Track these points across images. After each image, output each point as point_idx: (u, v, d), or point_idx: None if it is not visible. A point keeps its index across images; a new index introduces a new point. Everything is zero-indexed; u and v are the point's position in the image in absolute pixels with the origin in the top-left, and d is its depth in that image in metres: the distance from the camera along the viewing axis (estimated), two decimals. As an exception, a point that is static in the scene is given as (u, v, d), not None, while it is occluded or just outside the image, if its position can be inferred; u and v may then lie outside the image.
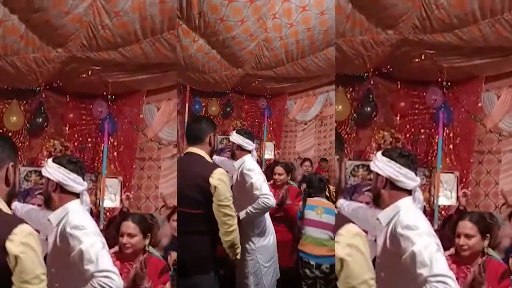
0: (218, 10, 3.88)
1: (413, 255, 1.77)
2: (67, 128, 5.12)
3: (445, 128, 4.67)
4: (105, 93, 4.83)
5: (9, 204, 1.73)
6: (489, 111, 4.63)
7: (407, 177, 2.03)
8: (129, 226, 2.77)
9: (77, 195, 2.19)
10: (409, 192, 2.06)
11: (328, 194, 3.98)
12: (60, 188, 2.16)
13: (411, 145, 4.91)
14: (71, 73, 4.40)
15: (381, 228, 2.04)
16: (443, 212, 4.56)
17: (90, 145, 5.13)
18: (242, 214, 3.21)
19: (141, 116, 5.03)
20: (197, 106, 6.71)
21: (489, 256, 2.58)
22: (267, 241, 3.49)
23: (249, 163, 3.43)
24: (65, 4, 3.29)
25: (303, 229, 3.69)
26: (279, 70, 5.59)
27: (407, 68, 4.57)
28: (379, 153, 2.14)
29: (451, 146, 4.70)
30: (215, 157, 3.84)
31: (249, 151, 3.57)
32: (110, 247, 2.15)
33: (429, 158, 4.82)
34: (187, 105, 6.35)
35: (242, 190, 3.34)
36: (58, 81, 4.69)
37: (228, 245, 2.84)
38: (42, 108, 4.85)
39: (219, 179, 2.74)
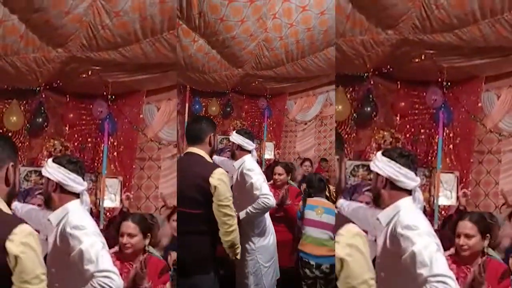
0: (218, 10, 3.88)
1: (413, 255, 1.77)
2: (67, 128, 5.12)
3: (445, 128, 4.67)
4: (105, 93, 4.83)
5: (9, 204, 1.73)
6: (489, 111, 4.63)
7: (407, 177, 2.04)
8: (129, 226, 2.77)
9: (77, 195, 2.19)
10: (409, 192, 2.06)
11: (328, 194, 3.98)
12: (60, 188, 2.16)
13: (411, 145, 4.91)
14: (71, 73, 4.40)
15: (381, 228, 2.04)
16: (443, 212, 4.56)
17: (90, 145, 5.13)
18: (242, 214, 3.21)
19: (141, 116, 5.03)
20: (197, 106, 6.71)
21: (489, 256, 2.58)
22: (267, 241, 3.49)
23: (249, 163, 3.43)
24: (65, 4, 3.29)
25: (303, 229, 3.69)
26: (279, 70, 5.59)
27: (407, 68, 4.57)
28: (379, 153, 2.14)
29: (451, 146, 4.70)
30: (215, 157, 3.84)
31: (249, 151, 3.57)
32: (110, 247, 2.15)
33: (429, 158, 4.82)
34: (187, 105, 6.35)
35: (242, 190, 3.34)
36: (58, 81, 4.69)
37: (228, 245, 2.84)
38: (42, 108, 4.85)
39: (219, 179, 2.74)
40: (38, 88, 4.76)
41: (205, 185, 2.73)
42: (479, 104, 4.57)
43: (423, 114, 4.92)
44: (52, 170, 2.16)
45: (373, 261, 1.93)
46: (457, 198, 4.44)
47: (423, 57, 4.23)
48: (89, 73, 4.40)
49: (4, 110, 4.78)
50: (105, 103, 4.88)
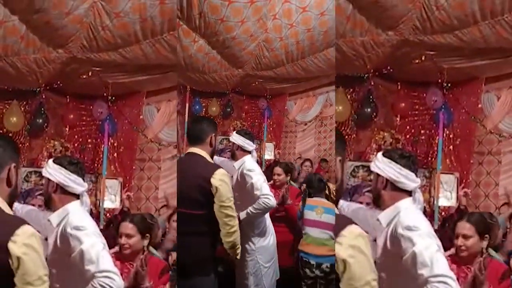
0: (219, 11, 3.88)
1: (414, 255, 1.77)
2: (67, 129, 5.12)
3: (445, 129, 4.67)
4: (105, 94, 4.83)
5: (10, 205, 1.72)
6: (489, 112, 4.63)
7: (407, 178, 2.04)
8: (127, 226, 2.77)
9: (77, 196, 2.19)
10: (409, 193, 2.06)
11: (328, 193, 3.97)
12: (61, 189, 2.16)
13: (411, 146, 4.91)
14: (72, 74, 4.40)
15: (381, 229, 2.04)
16: (443, 213, 4.56)
17: (90, 146, 5.13)
18: (243, 215, 3.20)
19: (141, 117, 5.03)
20: (197, 107, 6.70)
21: (490, 256, 2.58)
22: (267, 241, 3.49)
23: (249, 164, 3.43)
24: (65, 5, 3.29)
25: (303, 229, 3.70)
26: (279, 71, 5.60)
27: (407, 69, 4.57)
28: (379, 154, 2.14)
29: (451, 147, 4.70)
30: (215, 157, 3.85)
31: (249, 152, 3.57)
32: (110, 247, 2.15)
33: (429, 159, 4.82)
34: (187, 105, 6.34)
35: (242, 190, 3.34)
36: (59, 82, 4.69)
37: (229, 246, 2.84)
38: (42, 108, 4.85)
39: (220, 180, 2.74)
40: (38, 89, 4.76)
41: (207, 185, 2.73)
42: (479, 105, 4.57)
43: (423, 115, 4.93)
44: (53, 171, 2.16)
45: (374, 262, 1.93)
46: (457, 198, 4.44)
47: (423, 58, 4.23)
48: (90, 74, 4.40)
49: (4, 110, 4.78)
50: (105, 104, 4.89)
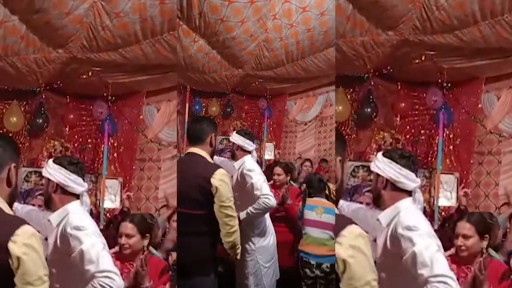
0: (219, 11, 3.88)
1: (414, 255, 1.77)
2: (67, 129, 5.12)
3: (445, 129, 4.67)
4: (105, 94, 4.83)
5: (10, 205, 1.72)
6: (489, 112, 4.63)
7: (407, 178, 2.04)
8: (127, 226, 2.77)
9: (77, 196, 2.18)
10: (409, 193, 2.06)
11: (328, 193, 3.97)
12: (61, 189, 2.16)
13: (411, 146, 4.91)
14: (72, 74, 4.40)
15: (381, 229, 2.04)
16: (443, 213, 4.56)
17: (90, 146, 5.13)
18: (243, 215, 3.20)
19: (141, 117, 5.03)
20: (197, 107, 6.70)
21: (490, 256, 2.58)
22: (267, 241, 3.48)
23: (249, 164, 3.43)
24: (65, 5, 3.29)
25: (303, 229, 3.70)
26: (279, 71, 5.60)
27: (407, 69, 4.57)
28: (379, 154, 2.14)
29: (451, 147, 4.70)
30: (215, 157, 3.85)
31: (249, 152, 3.57)
32: (110, 247, 2.15)
33: (429, 159, 4.82)
34: (187, 105, 6.34)
35: (242, 190, 3.34)
36: (59, 82, 4.69)
37: (229, 246, 2.84)
38: (42, 108, 4.85)
39: (220, 180, 2.74)
40: (38, 89, 4.76)
41: (207, 185, 2.73)
42: (479, 105, 4.57)
43: (423, 115, 4.93)
44: (53, 171, 2.16)
45: (374, 262, 1.93)
46: (457, 198, 4.44)
47: (423, 58, 4.23)
48: (90, 74, 4.40)
49: (4, 110, 4.78)
50: (105, 104, 4.89)
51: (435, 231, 1.91)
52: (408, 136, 4.96)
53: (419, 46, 4.00)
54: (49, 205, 2.19)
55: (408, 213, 1.97)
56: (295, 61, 5.21)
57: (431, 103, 4.67)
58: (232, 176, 3.48)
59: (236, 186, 3.45)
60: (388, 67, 4.72)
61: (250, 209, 3.19)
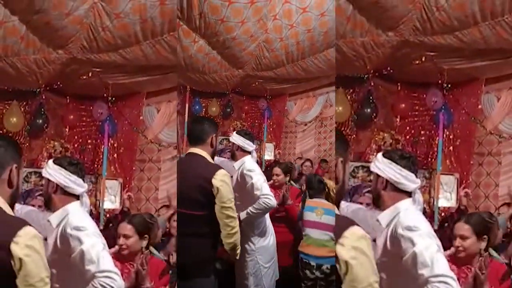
0: (219, 11, 3.88)
1: (414, 255, 1.77)
2: (67, 130, 5.12)
3: (445, 130, 4.67)
4: (105, 95, 4.83)
5: (12, 206, 1.71)
6: (489, 113, 4.63)
7: (407, 179, 2.04)
8: (125, 227, 2.76)
9: (77, 197, 2.18)
10: (409, 194, 2.06)
11: (327, 191, 3.95)
12: (60, 189, 2.16)
13: (411, 147, 4.91)
14: (72, 75, 4.40)
15: (381, 229, 2.04)
16: (443, 214, 4.56)
17: (90, 146, 5.13)
18: (243, 215, 3.20)
19: (141, 117, 5.03)
20: (197, 107, 6.71)
21: (490, 256, 2.58)
22: (267, 241, 3.48)
23: (249, 164, 3.43)
24: (65, 5, 3.29)
25: (303, 230, 3.69)
26: (279, 71, 5.60)
27: (407, 70, 4.57)
28: (379, 155, 2.14)
29: (451, 148, 4.70)
30: (215, 158, 3.85)
31: (249, 152, 3.57)
32: (110, 247, 2.15)
33: (429, 159, 4.82)
34: (187, 105, 6.34)
35: (242, 191, 3.34)
36: (59, 83, 4.69)
37: (230, 247, 2.83)
38: (42, 109, 4.85)
39: (221, 181, 2.73)
40: (38, 90, 4.76)
41: (208, 186, 2.72)
42: (479, 106, 4.57)
43: (423, 116, 4.93)
44: (53, 172, 2.16)
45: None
46: (457, 199, 4.44)
47: (423, 59, 4.23)
48: (90, 74, 4.40)
49: (4, 111, 4.78)
50: (105, 104, 4.89)
51: (435, 231, 1.91)
52: (408, 137, 4.96)
53: (419, 47, 4.00)
54: (49, 206, 2.19)
55: (408, 214, 1.97)
56: (295, 61, 5.21)
57: (431, 104, 4.67)
58: (232, 177, 3.48)
59: (236, 186, 3.44)
60: (388, 68, 4.72)
61: (250, 209, 3.19)
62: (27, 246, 1.59)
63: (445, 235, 2.97)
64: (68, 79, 4.55)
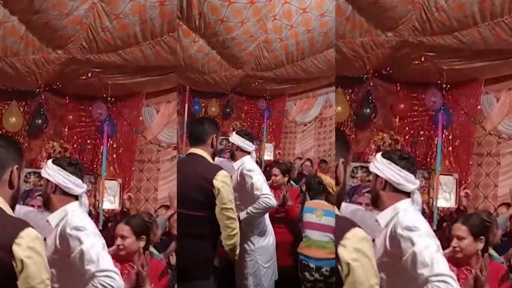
0: (219, 11, 3.88)
1: (413, 255, 1.77)
2: (66, 130, 5.12)
3: (444, 130, 4.67)
4: (104, 95, 4.83)
5: (12, 207, 1.70)
6: (488, 113, 4.64)
7: (406, 180, 2.03)
8: (123, 228, 2.75)
9: (76, 197, 2.18)
10: (408, 194, 2.06)
11: (325, 187, 3.93)
12: (59, 189, 2.15)
13: (410, 147, 4.91)
14: (71, 75, 4.40)
15: (380, 229, 2.04)
16: (442, 214, 4.57)
17: (89, 147, 5.13)
18: (243, 215, 3.19)
19: (140, 118, 5.03)
20: (197, 107, 6.71)
21: (490, 257, 2.58)
22: (267, 241, 3.48)
23: (249, 164, 3.42)
24: (65, 6, 3.29)
25: (303, 232, 3.68)
26: (279, 71, 5.60)
27: (406, 70, 4.58)
28: (379, 155, 2.13)
29: (450, 148, 4.70)
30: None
31: (249, 152, 3.56)
32: (108, 247, 2.14)
33: (428, 160, 4.83)
34: (186, 105, 6.34)
35: (242, 191, 3.33)
36: (58, 83, 4.69)
37: (230, 248, 2.81)
38: (42, 109, 4.85)
39: (222, 182, 2.72)
40: (37, 90, 4.76)
41: (208, 187, 2.71)
42: (479, 107, 4.58)
43: (422, 116, 4.93)
44: (52, 172, 2.16)
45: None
46: (456, 200, 4.45)
47: (422, 59, 4.24)
48: (89, 75, 4.40)
49: (4, 111, 4.77)
50: (105, 105, 4.89)
51: (434, 231, 1.91)
52: (407, 137, 4.96)
53: (418, 47, 4.01)
54: (47, 206, 2.18)
55: (407, 214, 1.97)
56: (295, 62, 5.22)
57: (430, 104, 4.67)
58: (231, 177, 3.48)
59: (235, 186, 3.43)
60: (388, 68, 4.72)
61: (250, 209, 3.18)
62: (29, 247, 1.58)
63: (444, 235, 2.97)
64: (67, 80, 4.55)
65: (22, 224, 1.64)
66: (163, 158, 5.03)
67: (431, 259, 1.73)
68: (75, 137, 5.11)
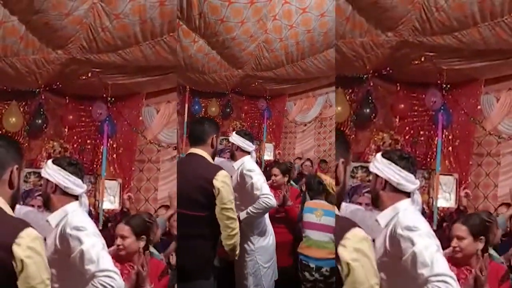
0: (219, 11, 3.88)
1: (414, 255, 1.77)
2: (66, 130, 5.12)
3: (444, 130, 4.68)
4: (104, 95, 4.84)
5: (12, 207, 1.70)
6: (488, 113, 4.64)
7: (406, 180, 2.03)
8: (123, 228, 2.75)
9: (75, 197, 2.18)
10: (407, 194, 2.06)
11: (325, 186, 3.93)
12: (59, 189, 2.15)
13: (410, 147, 4.91)
14: (71, 75, 4.40)
15: (380, 230, 2.04)
16: (442, 214, 4.57)
17: (89, 147, 5.13)
18: (243, 215, 3.19)
19: (140, 118, 5.03)
20: (197, 107, 6.71)
21: (490, 257, 2.58)
22: (267, 241, 3.47)
23: (248, 164, 3.42)
24: (65, 6, 3.29)
25: (303, 232, 3.68)
26: (279, 71, 5.60)
27: (406, 70, 4.58)
28: (379, 155, 2.13)
29: (450, 148, 4.71)
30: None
31: (249, 152, 3.56)
32: (108, 247, 2.14)
33: (428, 160, 4.83)
34: (186, 105, 6.34)
35: (242, 191, 3.33)
36: (58, 83, 4.69)
37: (230, 249, 2.81)
38: (42, 109, 4.85)
39: (223, 182, 2.72)
40: (37, 90, 4.76)
41: (209, 187, 2.71)
42: (479, 107, 4.58)
43: (422, 116, 4.93)
44: (52, 172, 2.16)
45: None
46: (456, 200, 4.45)
47: (422, 59, 4.24)
48: (89, 75, 4.40)
49: (4, 111, 4.78)
50: (105, 105, 4.89)
51: (434, 231, 1.91)
52: (407, 137, 4.96)
53: (418, 47, 4.01)
54: (47, 206, 2.18)
55: (407, 214, 1.97)
56: (295, 62, 5.22)
57: (430, 104, 4.67)
58: (231, 177, 3.48)
59: (235, 186, 3.43)
60: (388, 68, 4.73)
61: (250, 209, 3.18)
62: (29, 247, 1.58)
63: (444, 235, 2.97)
64: (67, 80, 4.55)
65: (22, 224, 1.64)
66: (163, 158, 5.04)
67: (431, 259, 1.73)
68: (75, 137, 5.11)
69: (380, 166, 2.08)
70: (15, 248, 1.56)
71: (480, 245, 2.53)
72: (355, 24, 3.85)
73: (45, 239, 2.17)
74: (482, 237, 2.53)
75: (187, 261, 2.76)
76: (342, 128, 4.93)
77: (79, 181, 2.18)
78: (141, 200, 4.95)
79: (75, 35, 3.65)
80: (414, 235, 1.82)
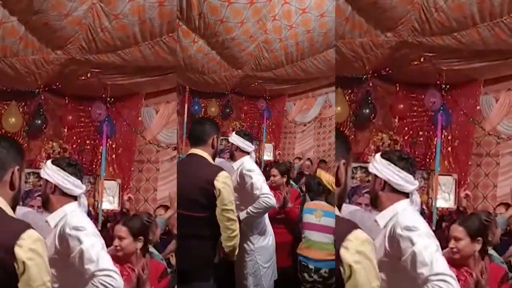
0: (218, 11, 3.88)
1: (413, 255, 1.77)
2: (65, 130, 5.12)
3: (444, 131, 4.68)
4: (104, 96, 4.84)
5: (13, 209, 1.69)
6: (488, 114, 4.64)
7: (406, 181, 2.03)
8: (120, 229, 2.75)
9: (74, 198, 2.18)
10: (406, 194, 2.05)
11: (324, 184, 3.92)
12: (59, 190, 2.15)
13: (409, 148, 4.92)
14: (70, 75, 4.40)
15: (379, 230, 2.04)
16: (441, 215, 4.57)
17: (88, 147, 5.13)
18: (243, 215, 3.18)
19: (139, 118, 5.03)
20: (196, 107, 6.71)
21: (490, 257, 2.58)
22: (267, 241, 3.47)
23: (248, 164, 3.41)
24: (64, 6, 3.29)
25: (302, 232, 3.68)
26: (278, 72, 5.60)
27: (406, 71, 4.58)
28: (378, 155, 2.13)
29: (449, 148, 4.71)
30: (215, 159, 3.84)
31: (248, 153, 3.56)
32: (107, 247, 2.14)
33: (428, 160, 4.83)
34: (186, 105, 6.34)
35: (241, 191, 3.32)
36: (57, 83, 4.69)
37: (229, 250, 2.80)
38: (41, 110, 4.85)
39: (223, 183, 2.71)
40: (37, 90, 4.76)
41: (210, 187, 2.70)
42: (478, 107, 4.59)
43: (421, 117, 4.94)
44: (51, 172, 2.15)
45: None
46: (455, 200, 4.45)
47: (422, 60, 4.24)
48: (88, 75, 4.40)
49: (3, 111, 4.78)
50: (104, 105, 4.89)
51: (433, 232, 1.91)
52: (406, 138, 4.97)
53: (417, 47, 4.01)
54: (46, 206, 2.18)
55: (406, 214, 1.97)
56: (295, 62, 5.22)
57: (430, 104, 4.68)
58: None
59: (235, 187, 3.42)
60: (387, 69, 4.73)
61: (250, 209, 3.17)
62: (30, 249, 1.58)
63: (443, 235, 2.97)
64: (66, 80, 4.55)
65: (24, 226, 1.63)
66: (162, 159, 5.04)
67: (430, 258, 1.73)
68: (74, 138, 5.11)
69: (379, 166, 2.07)
70: (17, 249, 1.56)
71: (478, 246, 2.53)
72: (355, 24, 3.85)
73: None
74: (479, 238, 2.53)
75: (187, 262, 2.76)
76: (341, 129, 4.93)
77: (78, 181, 2.18)
78: (140, 200, 4.95)
79: (74, 36, 3.65)
80: (414, 235, 1.82)
